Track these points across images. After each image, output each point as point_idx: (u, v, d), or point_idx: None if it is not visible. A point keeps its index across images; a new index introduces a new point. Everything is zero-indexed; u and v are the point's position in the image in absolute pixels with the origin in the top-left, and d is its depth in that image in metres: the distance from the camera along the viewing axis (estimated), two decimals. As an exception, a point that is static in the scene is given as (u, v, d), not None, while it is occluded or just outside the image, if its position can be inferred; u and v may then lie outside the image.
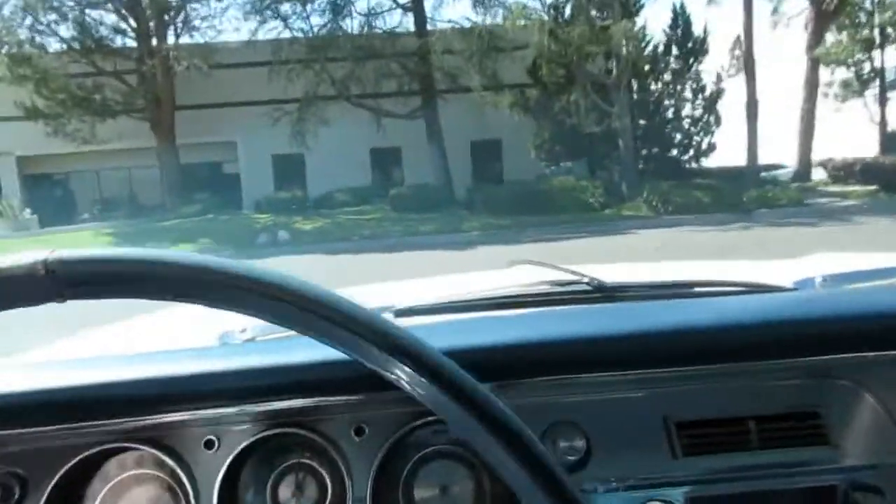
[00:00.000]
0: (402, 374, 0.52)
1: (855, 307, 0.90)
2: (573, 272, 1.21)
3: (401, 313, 1.12)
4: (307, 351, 0.81)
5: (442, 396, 0.51)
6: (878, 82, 23.40)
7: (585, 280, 1.15)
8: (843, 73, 22.14)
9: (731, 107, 20.62)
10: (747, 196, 15.98)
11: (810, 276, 1.25)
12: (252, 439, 0.85)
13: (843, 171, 18.58)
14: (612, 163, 19.15)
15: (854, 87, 24.29)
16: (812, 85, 20.44)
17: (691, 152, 20.15)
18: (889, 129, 23.26)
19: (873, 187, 16.52)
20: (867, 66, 23.06)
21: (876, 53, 21.92)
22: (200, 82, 20.51)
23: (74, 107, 19.61)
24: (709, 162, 20.33)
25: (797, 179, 19.38)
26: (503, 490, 0.84)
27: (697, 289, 1.15)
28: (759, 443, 0.88)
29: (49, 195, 23.30)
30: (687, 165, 20.07)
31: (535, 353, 0.84)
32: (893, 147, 22.53)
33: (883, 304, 0.90)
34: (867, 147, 21.54)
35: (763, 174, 19.59)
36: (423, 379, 0.50)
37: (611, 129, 18.35)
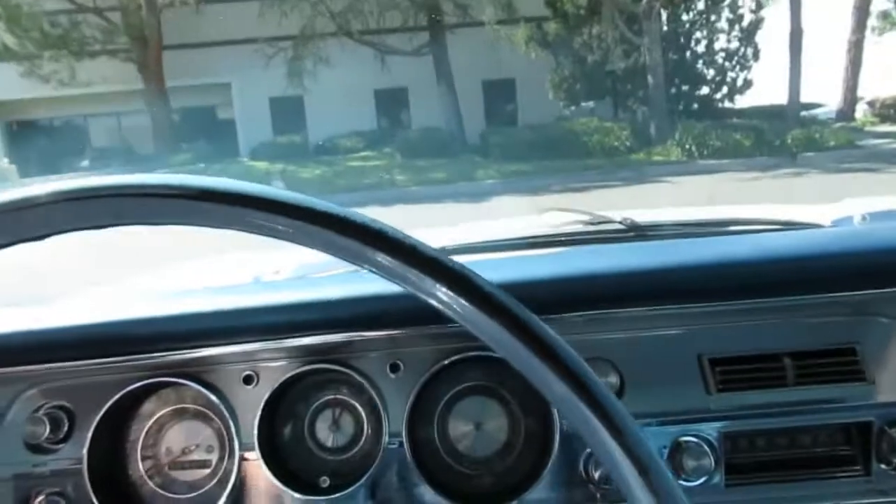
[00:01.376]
0: (452, 303, 0.47)
1: (888, 242, 0.90)
2: (604, 216, 1.21)
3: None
4: (342, 287, 0.85)
5: (493, 325, 0.46)
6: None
7: (618, 220, 1.13)
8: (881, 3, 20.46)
9: (769, 39, 18.94)
10: (791, 137, 14.50)
11: (848, 214, 1.23)
12: (290, 374, 0.87)
13: (894, 110, 17.01)
14: (639, 102, 17.64)
15: (893, 19, 22.60)
16: (862, 12, 18.57)
17: (725, 90, 18.53)
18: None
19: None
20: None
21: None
22: (190, 18, 19.04)
23: (49, 46, 18.01)
24: (744, 100, 18.76)
25: (840, 119, 17.79)
26: (535, 424, 0.86)
27: (732, 227, 1.12)
28: (794, 379, 0.90)
29: (32, 144, 21.90)
30: (720, 104, 18.50)
31: (569, 288, 0.85)
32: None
33: None
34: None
35: (802, 114, 17.99)
36: (474, 308, 0.46)
37: (638, 64, 16.78)
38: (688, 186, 11.13)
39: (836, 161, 12.74)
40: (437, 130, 17.47)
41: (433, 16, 18.37)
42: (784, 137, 14.48)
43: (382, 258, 0.45)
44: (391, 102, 21.69)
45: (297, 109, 21.34)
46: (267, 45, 18.21)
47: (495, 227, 1.46)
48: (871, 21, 20.31)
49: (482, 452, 0.93)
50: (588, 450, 0.90)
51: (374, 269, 0.46)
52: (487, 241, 1.15)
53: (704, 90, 18.73)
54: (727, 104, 18.56)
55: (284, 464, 0.91)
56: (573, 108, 18.84)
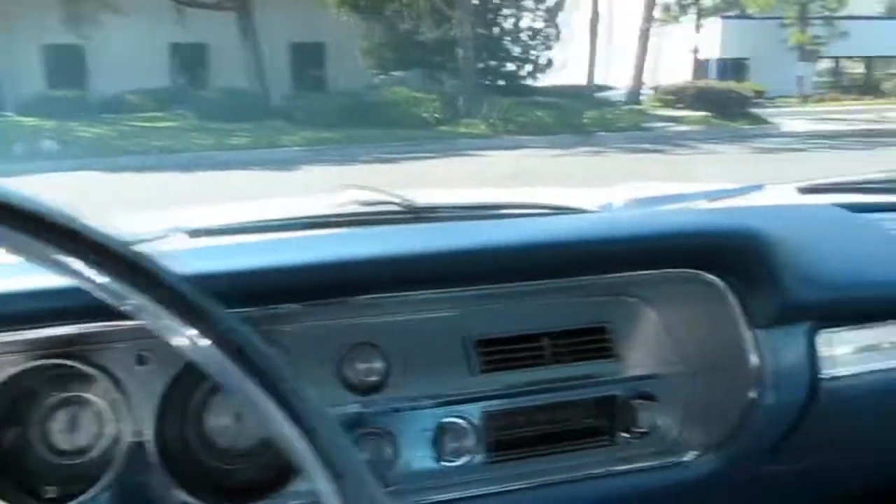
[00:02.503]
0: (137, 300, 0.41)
1: (644, 228, 0.96)
2: (394, 195, 1.16)
3: (195, 234, 1.04)
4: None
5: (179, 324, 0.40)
6: (693, 10, 24.42)
7: (396, 201, 1.12)
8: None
9: (571, 21, 20.16)
10: (588, 117, 15.63)
11: (614, 200, 1.25)
12: (13, 371, 0.79)
13: (673, 96, 18.91)
14: (449, 75, 18.00)
15: (674, 13, 25.17)
16: (650, 3, 20.37)
17: (530, 67, 19.46)
18: (702, 56, 24.58)
19: (705, 113, 16.85)
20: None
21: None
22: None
23: None
24: (547, 79, 19.83)
25: (629, 101, 19.44)
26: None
27: (506, 210, 1.15)
28: (552, 358, 0.96)
29: None
30: (525, 82, 19.41)
31: (329, 272, 0.83)
32: (704, 74, 23.82)
33: (670, 225, 0.97)
34: (678, 73, 22.43)
35: (597, 95, 19.43)
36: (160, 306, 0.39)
37: (448, 36, 17.09)
38: (493, 160, 11.60)
39: (626, 141, 13.92)
40: (239, 92, 16.60)
41: (236, -32, 17.38)
42: (581, 117, 15.55)
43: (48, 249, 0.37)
44: (189, 59, 20.22)
45: (77, 60, 19.22)
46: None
47: (276, 205, 1.41)
48: (657, 13, 22.42)
49: (243, 445, 0.89)
50: (441, 424, 0.91)
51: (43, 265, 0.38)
52: (253, 222, 1.09)
53: (511, 67, 19.52)
54: (531, 82, 19.52)
55: (5, 474, 0.81)
56: (384, 76, 18.80)
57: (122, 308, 0.39)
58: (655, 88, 20.36)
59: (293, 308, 0.87)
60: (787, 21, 24.32)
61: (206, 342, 0.39)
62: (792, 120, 17.25)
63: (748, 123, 16.27)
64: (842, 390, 0.95)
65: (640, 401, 0.98)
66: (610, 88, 20.72)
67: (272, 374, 0.40)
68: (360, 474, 0.41)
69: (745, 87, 18.57)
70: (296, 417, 0.40)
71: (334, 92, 17.90)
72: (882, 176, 1.27)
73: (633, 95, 19.98)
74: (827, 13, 24.05)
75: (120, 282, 0.38)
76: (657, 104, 19.22)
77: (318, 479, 0.40)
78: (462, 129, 15.08)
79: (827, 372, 0.94)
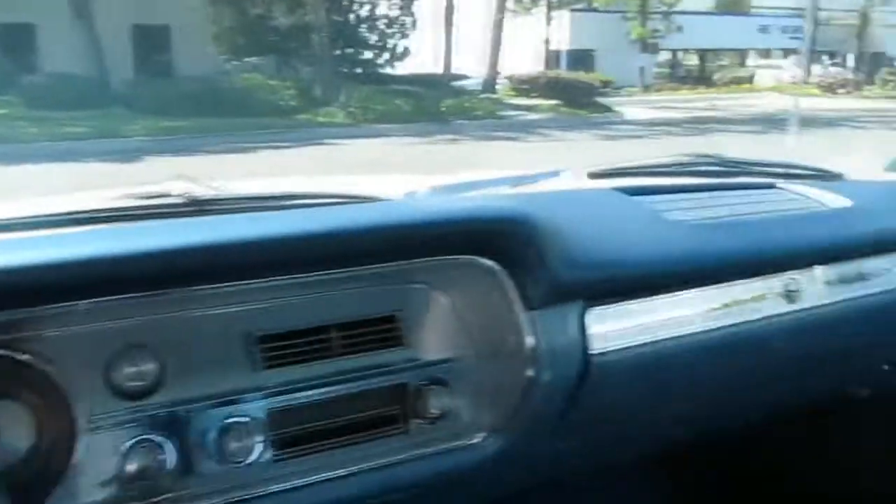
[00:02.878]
0: None
1: (416, 216, 0.94)
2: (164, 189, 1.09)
3: None
4: None
5: None
6: (544, 1, 25.40)
7: (176, 194, 1.05)
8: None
9: (427, 11, 20.34)
10: (445, 105, 15.84)
11: (419, 189, 1.25)
12: None
13: (527, 85, 19.57)
14: (304, 62, 17.62)
15: (526, 5, 26.07)
16: (502, -4, 20.89)
17: (387, 55, 19.45)
18: (553, 47, 25.61)
19: (555, 101, 17.56)
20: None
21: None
22: None
23: None
24: (404, 67, 19.89)
25: (485, 90, 19.91)
26: (60, 425, 0.81)
27: (295, 201, 1.10)
28: (340, 349, 0.94)
29: None
30: (382, 70, 19.38)
31: (84, 270, 0.78)
32: (555, 64, 24.87)
33: (440, 212, 0.96)
34: (530, 63, 23.28)
35: (454, 84, 19.73)
36: None
37: (302, 22, 16.71)
38: (352, 149, 11.50)
39: (482, 129, 14.25)
40: (74, 78, 15.36)
41: (64, -58, 16.05)
42: (439, 105, 15.74)
43: None
44: (13, 40, 18.45)
45: None
46: None
47: (49, 202, 1.31)
48: (510, 4, 23.08)
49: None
50: (223, 425, 0.87)
51: None
52: (18, 218, 1.00)
53: (368, 54, 19.42)
54: (389, 70, 19.52)
55: None
56: (236, 62, 18.09)
57: None
58: (510, 78, 20.96)
59: (53, 310, 0.81)
60: (629, 15, 25.79)
61: None
62: (635, 108, 18.37)
63: (595, 112, 17.13)
64: (612, 364, 1.01)
65: (432, 386, 0.99)
66: (465, 77, 21.13)
67: None
68: None
69: (594, 78, 19.54)
70: None
71: (182, 78, 16.98)
72: (664, 160, 1.37)
73: (489, 84, 20.48)
74: (664, 8, 25.73)
75: None
76: (512, 93, 19.81)
77: None
78: (320, 118, 14.83)
79: (598, 348, 0.99)
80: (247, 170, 9.11)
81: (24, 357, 0.82)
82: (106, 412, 0.84)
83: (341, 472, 0.94)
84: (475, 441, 1.00)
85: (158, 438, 0.86)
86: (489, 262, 0.95)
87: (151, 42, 19.39)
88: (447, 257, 0.96)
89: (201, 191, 1.06)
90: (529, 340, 0.95)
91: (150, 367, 0.86)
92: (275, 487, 0.91)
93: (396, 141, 12.47)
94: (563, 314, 0.97)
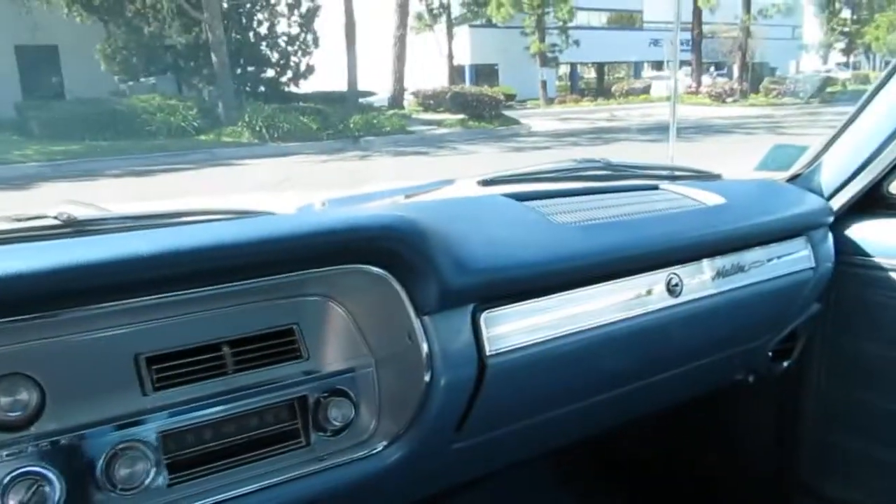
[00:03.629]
0: None
1: (317, 226, 0.91)
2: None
3: None
4: None
5: None
6: (444, 18, 25.81)
7: (53, 215, 1.01)
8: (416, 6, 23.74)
9: (328, 28, 20.18)
10: (353, 122, 15.79)
11: (314, 202, 1.24)
12: None
13: (433, 100, 19.79)
14: (204, 81, 17.16)
15: (426, 21, 26.37)
16: (403, 10, 21.05)
17: (290, 73, 19.20)
18: (456, 62, 26.03)
19: (462, 116, 17.81)
20: (436, 2, 25.26)
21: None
22: None
23: None
24: (308, 85, 19.69)
25: (392, 106, 19.97)
26: None
27: (183, 218, 1.07)
28: (234, 366, 0.93)
29: None
30: (286, 88, 19.12)
31: None
32: (460, 79, 25.28)
33: (325, 223, 0.92)
34: (436, 78, 23.59)
35: (360, 100, 19.69)
36: None
37: (200, 40, 16.29)
38: (260, 169, 11.28)
39: (391, 144, 14.30)
40: (-46, 102, 14.49)
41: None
42: (347, 122, 15.65)
43: None
44: None
45: None
46: None
47: None
48: (411, 21, 23.27)
49: None
50: (112, 451, 0.85)
51: None
52: None
53: (270, 73, 19.10)
54: (293, 88, 19.26)
55: None
56: (132, 83, 17.41)
57: None
58: (416, 93, 21.11)
59: None
60: (526, 30, 26.47)
61: None
62: (540, 120, 18.85)
63: (501, 124, 17.48)
64: (508, 364, 1.03)
65: (332, 398, 0.98)
66: (372, 94, 21.14)
67: None
68: None
69: (497, 91, 19.93)
70: None
71: (74, 100, 16.22)
72: (552, 166, 1.42)
73: (396, 100, 20.55)
74: (560, 23, 26.56)
75: None
76: (418, 108, 19.96)
77: None
78: (224, 138, 14.45)
79: (492, 349, 1.01)
80: (144, 193, 8.80)
81: None
82: None
83: (242, 490, 0.92)
84: (377, 450, 1.00)
85: (41, 470, 0.82)
86: (379, 271, 0.95)
87: (38, 63, 18.42)
88: (338, 267, 0.95)
89: (84, 212, 1.02)
90: (424, 346, 0.96)
91: (28, 395, 0.82)
92: None
93: (304, 159, 12.33)
94: (454, 318, 0.99)
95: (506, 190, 1.30)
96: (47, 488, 0.82)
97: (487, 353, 1.01)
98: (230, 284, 0.91)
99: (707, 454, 1.88)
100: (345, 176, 10.18)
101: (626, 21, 33.36)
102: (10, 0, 15.61)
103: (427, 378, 0.96)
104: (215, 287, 0.90)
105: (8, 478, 0.80)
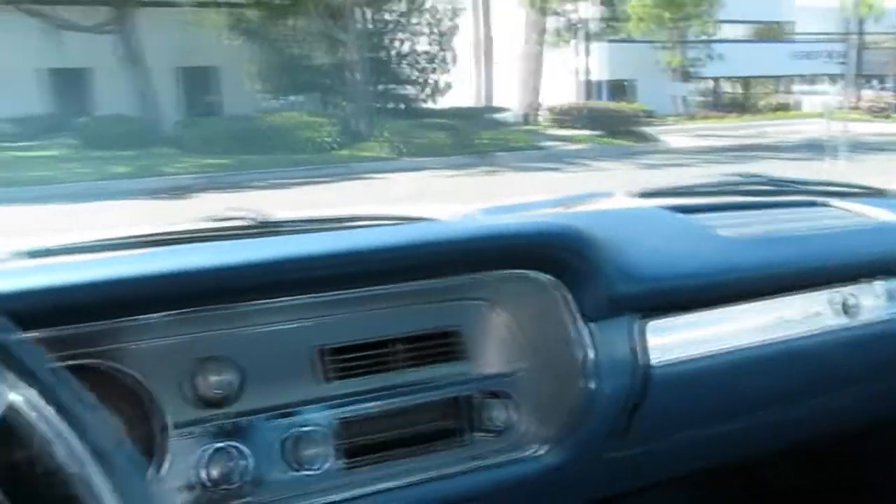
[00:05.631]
0: None
1: (472, 232, 0.99)
2: (248, 212, 1.19)
3: (36, 254, 1.04)
4: None
5: None
6: (581, 34, 25.56)
7: (246, 216, 1.14)
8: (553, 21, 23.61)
9: (465, 45, 20.56)
10: (485, 138, 15.98)
11: (469, 212, 1.29)
12: None
13: (567, 116, 19.63)
14: (346, 99, 17.99)
15: (564, 37, 26.23)
16: (540, 27, 21.11)
17: (427, 91, 19.72)
18: (591, 78, 25.69)
19: (597, 132, 17.56)
20: (574, 16, 25.06)
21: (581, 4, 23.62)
22: None
23: None
24: (443, 101, 20.12)
25: (525, 122, 20.03)
26: (142, 429, 0.88)
27: (354, 223, 1.17)
28: (403, 362, 0.99)
29: None
30: (422, 104, 19.65)
31: (173, 284, 0.83)
32: (596, 95, 24.92)
33: (494, 228, 1.00)
34: (566, 94, 23.36)
35: (492, 116, 19.89)
36: None
37: (342, 60, 17.10)
38: (395, 182, 11.66)
39: (522, 160, 14.30)
40: (126, 119, 15.98)
41: (116, -11, 16.77)
42: (478, 138, 15.87)
43: None
44: (72, 84, 19.28)
45: (-58, 87, 18.01)
46: None
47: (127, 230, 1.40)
48: (548, 36, 23.24)
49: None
50: (296, 433, 0.93)
51: None
52: (100, 240, 1.07)
53: (408, 90, 19.74)
54: (429, 104, 19.78)
55: None
56: (276, 100, 18.58)
57: None
58: (550, 109, 21.06)
59: (140, 323, 0.86)
60: (666, 45, 25.77)
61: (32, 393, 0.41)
62: (678, 136, 18.24)
63: (636, 141, 17.07)
64: (671, 376, 1.03)
65: (492, 399, 1.02)
66: (504, 110, 21.32)
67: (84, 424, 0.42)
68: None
69: (634, 108, 19.51)
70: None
71: (227, 117, 17.52)
72: (711, 181, 1.40)
73: (528, 116, 20.60)
74: (703, 37, 25.65)
75: None
76: (550, 124, 19.88)
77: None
78: (362, 153, 15.08)
79: (656, 359, 1.02)
80: (291, 203, 9.32)
81: (114, 366, 0.88)
82: (189, 420, 0.90)
83: (404, 481, 0.97)
84: (536, 453, 1.02)
85: (239, 445, 0.91)
86: (545, 277, 0.98)
87: (199, 83, 20.11)
88: (504, 272, 0.99)
89: (269, 216, 1.12)
90: (588, 352, 0.98)
91: (229, 377, 0.92)
92: (343, 496, 0.95)
93: (437, 173, 12.60)
94: (619, 326, 1.00)
95: (665, 203, 1.30)
96: (242, 462, 0.90)
97: (652, 364, 1.01)
98: (400, 285, 0.97)
99: (866, 492, 1.75)
100: (479, 190, 10.32)
101: (773, 34, 31.72)
102: (176, 25, 17.10)
103: (591, 385, 0.98)
104: (386, 287, 0.96)
105: (212, 449, 0.89)
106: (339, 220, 1.16)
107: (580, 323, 0.98)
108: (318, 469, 0.94)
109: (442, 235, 0.94)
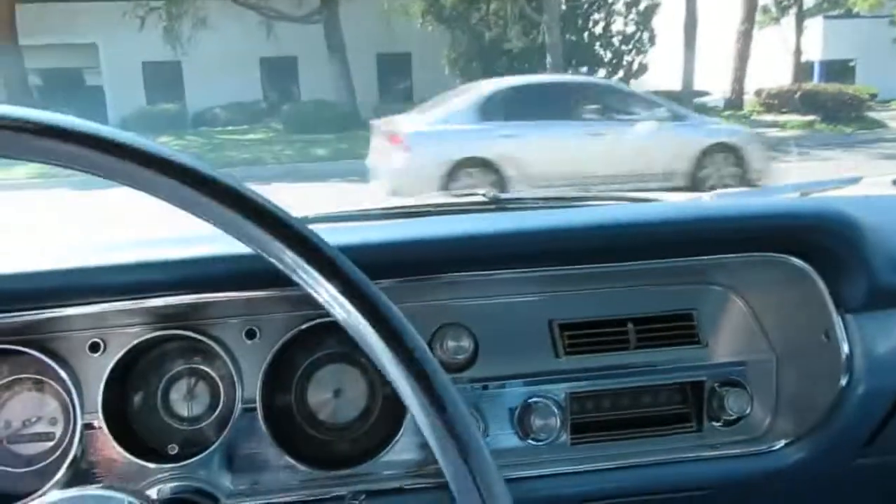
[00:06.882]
0: (294, 265, 0.47)
1: (724, 211, 0.97)
2: (485, 190, 1.25)
3: (316, 220, 1.14)
4: (194, 246, 0.83)
5: (331, 288, 0.47)
6: (794, 10, 23.44)
7: (481, 193, 1.19)
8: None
9: (665, 25, 19.77)
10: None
11: (702, 196, 1.29)
12: (137, 341, 0.88)
13: (777, 100, 18.25)
14: (537, 82, 18.00)
15: (773, 14, 24.23)
16: (750, 3, 19.75)
17: (621, 73, 19.23)
18: (803, 58, 23.54)
19: (812, 117, 16.17)
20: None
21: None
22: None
23: None
24: (639, 84, 19.50)
25: (730, 107, 18.89)
26: (392, 390, 0.80)
27: (588, 202, 1.19)
28: (636, 342, 1.00)
29: None
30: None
31: (420, 251, 0.89)
32: (806, 76, 22.80)
33: (756, 208, 0.96)
34: (778, 76, 21.56)
35: (694, 100, 18.92)
36: (314, 270, 0.46)
37: (536, 43, 17.12)
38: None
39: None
40: (327, 104, 17.15)
41: (324, -18, 18.00)
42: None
43: (226, 213, 0.45)
44: (279, 72, 21.08)
45: (174, 76, 20.40)
46: (135, 3, 17.20)
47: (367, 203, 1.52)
48: (757, 15, 21.67)
49: (341, 419, 0.97)
50: (526, 403, 0.95)
51: (219, 225, 0.46)
52: (353, 211, 1.18)
53: (602, 72, 19.37)
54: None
55: (132, 433, 0.92)
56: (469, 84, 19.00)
57: (293, 278, 0.47)
58: (758, 93, 19.68)
59: (384, 286, 0.94)
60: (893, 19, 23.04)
61: (355, 311, 0.46)
62: (909, 123, 16.32)
63: (860, 128, 15.50)
64: None
65: (728, 388, 1.00)
66: (706, 94, 20.21)
67: (409, 344, 0.46)
68: (485, 455, 0.46)
69: (858, 90, 17.72)
70: (430, 394, 0.45)
71: (420, 101, 18.20)
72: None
73: (734, 100, 19.39)
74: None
75: (296, 255, 0.45)
76: (760, 108, 18.59)
77: (445, 458, 0.44)
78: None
79: None
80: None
81: None
82: None
83: (635, 462, 0.98)
84: (774, 448, 0.99)
85: (472, 409, 0.96)
86: (798, 262, 0.94)
87: (394, 69, 21.12)
88: (750, 255, 0.96)
89: (504, 193, 1.18)
90: (844, 346, 0.92)
91: (466, 343, 0.97)
92: (572, 468, 0.97)
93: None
94: (882, 320, 0.93)
95: None
96: (477, 425, 0.96)
97: None
98: (636, 263, 0.97)
99: None
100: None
101: None
102: (374, 13, 18.02)
103: (843, 381, 0.93)
104: (621, 264, 0.96)
105: None
106: (573, 198, 1.18)
107: (836, 314, 0.93)
108: (548, 440, 0.97)
109: (687, 214, 0.94)
